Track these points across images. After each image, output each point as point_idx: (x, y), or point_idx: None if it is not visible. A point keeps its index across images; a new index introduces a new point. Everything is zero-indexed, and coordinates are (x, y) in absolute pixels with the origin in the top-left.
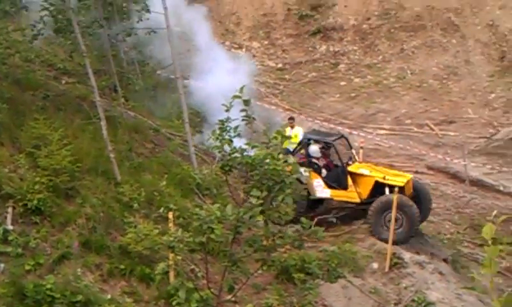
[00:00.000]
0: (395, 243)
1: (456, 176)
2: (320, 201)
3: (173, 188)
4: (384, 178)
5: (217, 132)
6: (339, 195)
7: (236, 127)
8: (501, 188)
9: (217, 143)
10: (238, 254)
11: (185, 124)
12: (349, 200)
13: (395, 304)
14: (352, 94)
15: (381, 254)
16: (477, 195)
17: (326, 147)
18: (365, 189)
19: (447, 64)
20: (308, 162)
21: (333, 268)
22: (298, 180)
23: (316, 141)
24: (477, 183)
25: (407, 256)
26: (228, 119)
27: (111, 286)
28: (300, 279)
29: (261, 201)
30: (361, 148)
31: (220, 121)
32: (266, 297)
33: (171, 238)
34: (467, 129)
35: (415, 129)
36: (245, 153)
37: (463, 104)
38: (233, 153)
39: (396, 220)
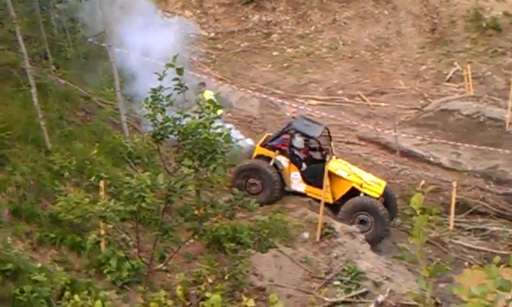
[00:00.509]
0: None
1: (386, 147)
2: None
3: (104, 156)
4: (361, 186)
5: (150, 100)
6: (314, 192)
7: (168, 96)
8: (431, 159)
9: (150, 112)
10: (169, 223)
11: (116, 92)
12: (321, 199)
13: (326, 273)
14: (285, 65)
15: (312, 224)
16: (407, 166)
17: (308, 140)
18: (340, 191)
19: (379, 36)
20: (291, 152)
21: (264, 237)
22: (274, 165)
23: (302, 134)
24: (407, 154)
25: (338, 226)
26: (160, 87)
27: (41, 254)
28: (231, 249)
29: (192, 171)
30: (293, 118)
31: (152, 89)
32: (197, 266)
33: (103, 208)
34: (398, 100)
35: (347, 100)
36: (177, 123)
37: (394, 75)
38: (165, 122)
39: (366, 223)
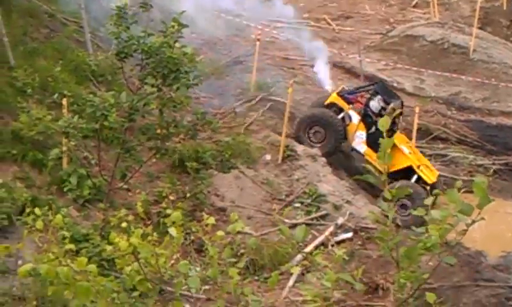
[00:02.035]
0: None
1: (350, 71)
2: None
3: (67, 74)
4: (418, 167)
5: (115, 18)
6: (371, 157)
7: (133, 14)
8: (394, 84)
9: (114, 29)
10: (131, 142)
11: (81, 10)
12: (377, 166)
13: (287, 195)
14: None
15: (275, 146)
16: None
17: (386, 107)
18: (397, 165)
19: None
20: (365, 112)
21: (226, 158)
22: (343, 118)
23: (383, 99)
24: (371, 79)
25: (300, 148)
26: (125, 5)
27: (3, 170)
28: (193, 169)
29: (155, 89)
30: (258, 40)
31: (117, 7)
32: (159, 186)
33: (65, 124)
34: (363, 25)
35: (312, 23)
36: (141, 41)
37: (360, 0)
38: (129, 40)
39: (407, 208)
